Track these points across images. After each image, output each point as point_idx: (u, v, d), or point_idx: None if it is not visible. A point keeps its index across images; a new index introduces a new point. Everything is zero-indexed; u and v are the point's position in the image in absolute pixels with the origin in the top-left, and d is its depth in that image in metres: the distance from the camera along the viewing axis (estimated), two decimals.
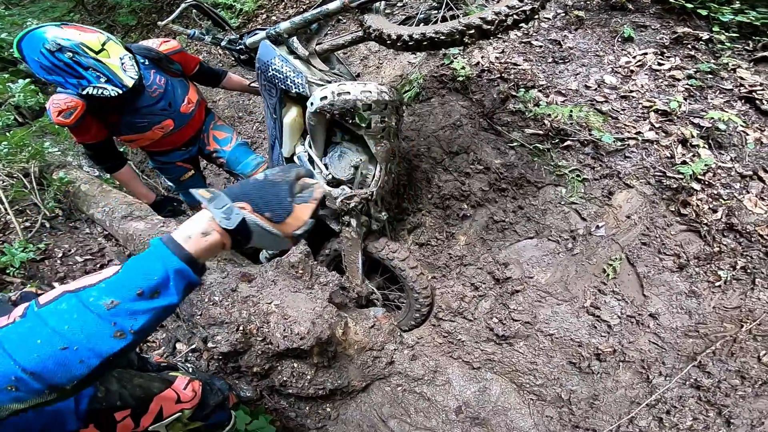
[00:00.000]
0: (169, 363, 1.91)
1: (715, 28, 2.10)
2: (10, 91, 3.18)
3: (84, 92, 1.75)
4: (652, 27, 2.21)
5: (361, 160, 1.89)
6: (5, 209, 2.66)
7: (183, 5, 2.00)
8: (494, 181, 2.18)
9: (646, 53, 2.13)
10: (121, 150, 3.85)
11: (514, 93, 2.13)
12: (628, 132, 1.96)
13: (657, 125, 1.95)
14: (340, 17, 2.94)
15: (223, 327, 1.67)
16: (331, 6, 1.68)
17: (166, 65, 2.13)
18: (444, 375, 2.22)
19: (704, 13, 2.14)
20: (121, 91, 1.77)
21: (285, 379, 1.86)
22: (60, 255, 2.60)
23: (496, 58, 2.26)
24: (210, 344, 1.65)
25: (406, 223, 2.46)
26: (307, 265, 1.87)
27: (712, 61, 2.05)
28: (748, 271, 1.77)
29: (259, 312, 1.70)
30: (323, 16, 1.74)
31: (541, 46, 2.25)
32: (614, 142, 1.94)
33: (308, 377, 1.89)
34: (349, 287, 2.24)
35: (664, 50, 2.13)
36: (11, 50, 4.18)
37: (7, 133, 2.90)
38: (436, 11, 1.71)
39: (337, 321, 1.84)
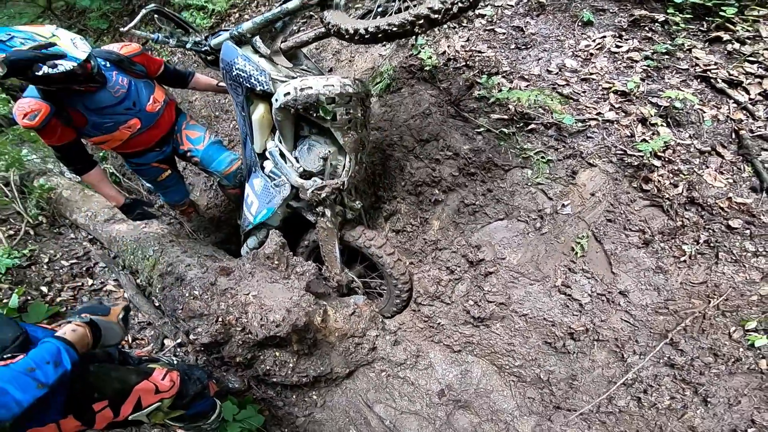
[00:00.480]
0: (150, 356, 2.04)
1: (670, 10, 2.19)
2: None
3: (40, 73, 1.81)
4: (611, 10, 2.31)
5: (329, 151, 2.00)
6: None
7: (143, 11, 2.10)
8: (463, 166, 2.30)
9: (604, 36, 2.24)
10: (101, 154, 3.97)
11: (478, 80, 2.24)
12: (589, 113, 2.07)
13: (617, 106, 2.07)
14: (307, 14, 3.05)
15: (202, 319, 1.80)
16: (290, 5, 1.79)
17: (129, 66, 2.24)
18: (426, 359, 2.35)
19: None
20: (75, 63, 1.84)
21: (268, 368, 2.00)
22: (46, 260, 2.73)
23: (462, 46, 2.37)
24: (192, 336, 1.78)
25: (383, 211, 2.58)
26: (282, 256, 2.00)
27: (668, 42, 2.15)
28: (711, 244, 1.88)
29: (237, 303, 1.83)
30: (284, 15, 1.84)
31: (504, 33, 2.36)
32: (575, 123, 2.06)
33: (290, 365, 2.02)
34: (329, 277, 2.38)
35: (622, 33, 2.24)
36: None
37: None
38: (392, 4, 1.81)
39: (315, 309, 1.97)
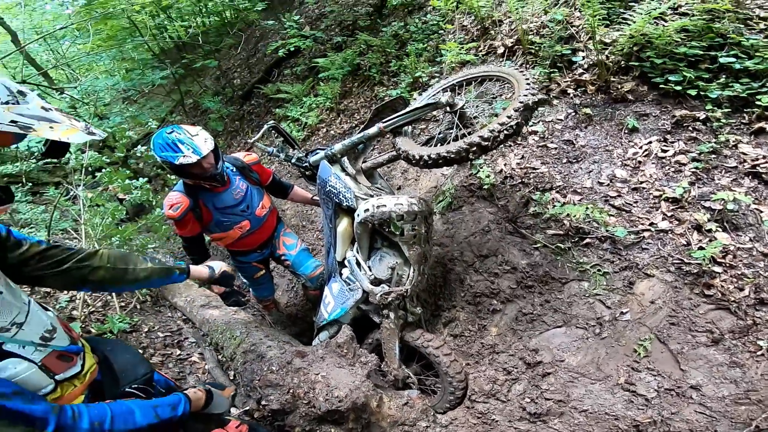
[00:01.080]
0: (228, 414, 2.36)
1: (708, 106, 2.34)
2: (131, 187, 4.04)
3: (178, 162, 2.34)
4: (653, 114, 2.52)
5: (396, 262, 2.36)
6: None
7: (265, 126, 2.71)
8: (521, 279, 2.52)
9: (650, 141, 2.44)
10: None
11: (533, 197, 2.53)
12: (642, 224, 2.26)
13: (669, 214, 2.23)
14: (380, 138, 3.67)
15: (276, 389, 2.14)
16: (371, 131, 2.32)
17: (248, 173, 2.83)
18: None
19: (694, 93, 2.40)
20: (198, 157, 2.35)
21: None
22: (146, 330, 3.31)
23: (517, 164, 2.73)
24: (263, 402, 2.11)
25: (442, 318, 2.82)
26: (351, 346, 2.33)
27: (713, 139, 2.29)
28: None
29: (308, 380, 2.15)
30: (366, 139, 2.38)
31: (556, 148, 2.69)
32: (629, 235, 2.24)
33: None
34: (387, 371, 2.63)
35: (667, 136, 2.41)
36: (136, 149, 5.34)
37: (119, 227, 3.81)
38: (450, 131, 2.24)
39: (373, 394, 2.22)
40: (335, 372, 2.24)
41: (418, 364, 2.75)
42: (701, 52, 2.46)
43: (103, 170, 4.05)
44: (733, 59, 2.37)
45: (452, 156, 1.98)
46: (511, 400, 2.43)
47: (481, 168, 2.83)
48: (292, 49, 5.58)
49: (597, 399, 2.18)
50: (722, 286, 2.03)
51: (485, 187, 2.76)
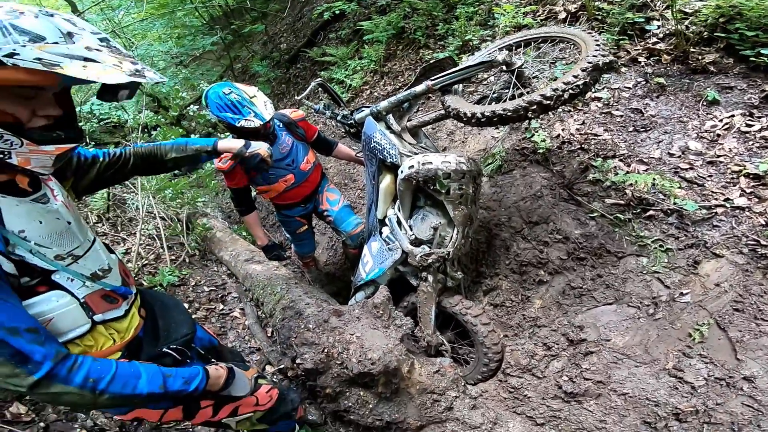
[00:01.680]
0: (259, 373, 2.42)
1: None
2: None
3: (239, 125, 2.38)
4: (738, 87, 2.30)
5: (440, 222, 2.28)
6: (161, 244, 3.70)
7: (313, 84, 2.71)
8: (573, 250, 2.37)
9: (733, 115, 2.22)
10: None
11: (593, 163, 2.37)
12: (716, 199, 2.04)
13: (748, 190, 2.01)
14: (427, 97, 3.56)
15: (311, 347, 2.15)
16: (418, 89, 2.21)
17: (294, 129, 2.87)
18: (504, 427, 2.31)
19: None
20: (262, 122, 2.41)
21: (350, 404, 2.23)
22: (193, 283, 3.44)
23: (577, 129, 2.54)
24: (298, 361, 2.13)
25: (483, 285, 2.73)
26: (387, 308, 2.30)
27: None
28: None
29: (343, 340, 2.14)
30: (412, 97, 2.27)
31: (621, 116, 2.48)
32: (699, 210, 2.04)
33: (370, 406, 2.23)
34: (421, 337, 2.59)
35: (754, 110, 2.20)
36: (188, 107, 5.68)
37: (171, 181, 3.98)
38: (505, 91, 2.10)
39: (405, 359, 2.19)
40: (369, 333, 2.21)
41: (452, 332, 2.69)
42: None
43: (158, 129, 4.24)
44: None
45: (509, 114, 1.84)
46: (548, 377, 2.34)
47: (536, 132, 2.67)
48: (337, 12, 5.54)
49: (639, 383, 2.07)
50: None
51: (540, 151, 2.61)
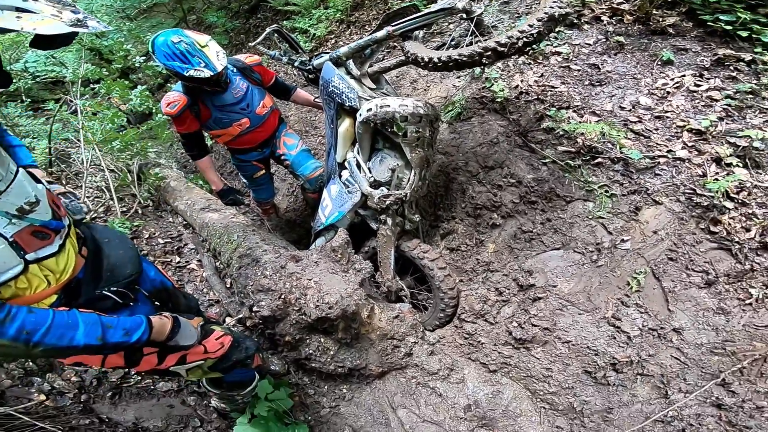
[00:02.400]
0: (216, 320, 2.38)
1: (758, 49, 2.23)
2: (129, 96, 4.13)
3: (188, 74, 2.34)
4: (693, 50, 2.40)
5: (398, 164, 2.30)
6: (111, 195, 3.51)
7: (268, 30, 2.66)
8: (525, 194, 2.45)
9: (684, 75, 2.31)
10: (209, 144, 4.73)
11: (548, 113, 2.41)
12: (659, 150, 2.14)
13: (690, 144, 2.11)
14: (390, 43, 3.48)
15: (268, 294, 2.12)
16: (379, 34, 2.16)
17: (249, 74, 2.79)
18: (459, 373, 2.44)
19: (745, 34, 2.29)
20: (212, 73, 2.36)
21: (311, 352, 2.25)
22: (146, 236, 3.31)
23: (535, 81, 2.56)
24: (255, 309, 2.12)
25: (440, 229, 2.79)
26: (346, 251, 2.30)
27: (754, 81, 2.18)
28: None
29: (300, 285, 2.13)
30: (373, 42, 2.22)
31: (579, 70, 2.52)
32: (644, 159, 2.14)
33: (331, 353, 2.27)
34: (381, 282, 2.63)
35: (704, 72, 2.30)
36: (134, 59, 5.40)
37: (119, 132, 3.78)
38: (464, 38, 2.09)
39: (364, 303, 2.21)
40: (328, 278, 2.21)
41: (411, 277, 2.75)
42: None
43: (102, 82, 4.08)
44: None
45: (464, 59, 1.85)
46: (499, 322, 2.44)
47: (496, 81, 2.68)
48: None
49: (581, 331, 2.18)
50: (729, 224, 1.96)
51: (498, 100, 2.63)
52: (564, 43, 2.70)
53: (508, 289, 2.44)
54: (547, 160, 2.40)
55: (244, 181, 3.33)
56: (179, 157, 4.88)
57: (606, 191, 2.23)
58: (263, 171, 3.19)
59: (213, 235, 3.02)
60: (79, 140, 3.78)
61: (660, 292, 2.06)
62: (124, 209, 3.53)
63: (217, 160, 4.97)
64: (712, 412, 1.85)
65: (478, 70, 2.85)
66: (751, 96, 2.16)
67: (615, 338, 2.10)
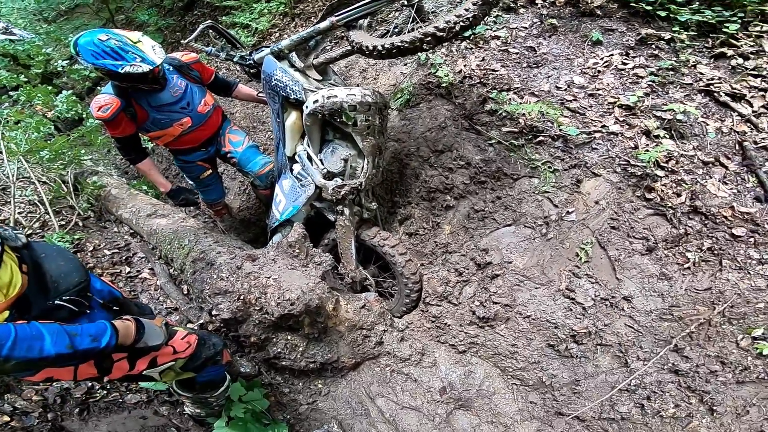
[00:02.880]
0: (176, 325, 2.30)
1: (676, 28, 2.41)
2: (53, 102, 3.83)
3: (123, 71, 2.22)
4: (619, 30, 2.55)
5: (350, 154, 2.29)
6: (45, 209, 3.26)
7: (201, 26, 2.56)
8: (474, 174, 2.53)
9: (612, 54, 2.46)
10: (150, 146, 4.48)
11: (490, 95, 2.50)
12: (594, 126, 2.27)
13: (621, 119, 2.26)
14: (339, 35, 3.45)
15: (226, 296, 2.07)
16: (322, 25, 2.14)
17: (187, 71, 2.68)
18: (431, 357, 2.49)
19: (664, 14, 2.46)
20: (151, 67, 2.25)
21: (279, 350, 2.22)
22: (90, 248, 3.11)
23: (477, 65, 2.64)
24: (214, 312, 2.05)
25: (398, 215, 2.83)
26: (303, 246, 2.27)
27: (674, 58, 2.35)
28: (715, 252, 1.98)
29: (259, 285, 2.09)
30: (316, 33, 2.19)
31: (517, 53, 2.62)
32: (580, 135, 2.26)
33: (300, 349, 2.25)
34: (345, 274, 2.62)
35: (630, 51, 2.45)
36: (55, 63, 5.02)
37: (48, 141, 3.51)
38: (407, 25, 2.12)
39: (328, 296, 2.20)
40: (287, 274, 2.18)
41: (375, 266, 2.77)
42: None
43: (21, 88, 3.81)
44: None
45: (406, 45, 1.87)
46: (462, 303, 2.50)
47: (440, 67, 2.73)
48: None
49: (540, 305, 2.28)
50: (662, 191, 2.11)
51: (443, 85, 2.69)
52: (502, 27, 2.78)
53: (467, 269, 2.51)
54: (492, 141, 2.49)
55: (191, 183, 3.20)
56: (119, 163, 4.62)
57: (549, 167, 2.34)
58: (210, 171, 3.07)
59: (163, 241, 2.89)
60: (1, 152, 3.48)
61: (607, 262, 2.18)
62: (63, 222, 3.29)
63: (160, 163, 4.74)
64: (671, 379, 1.97)
65: (423, 56, 2.89)
66: (672, 72, 2.33)
67: (571, 310, 2.21)
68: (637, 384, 2.02)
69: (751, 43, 2.28)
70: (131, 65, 2.23)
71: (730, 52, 2.29)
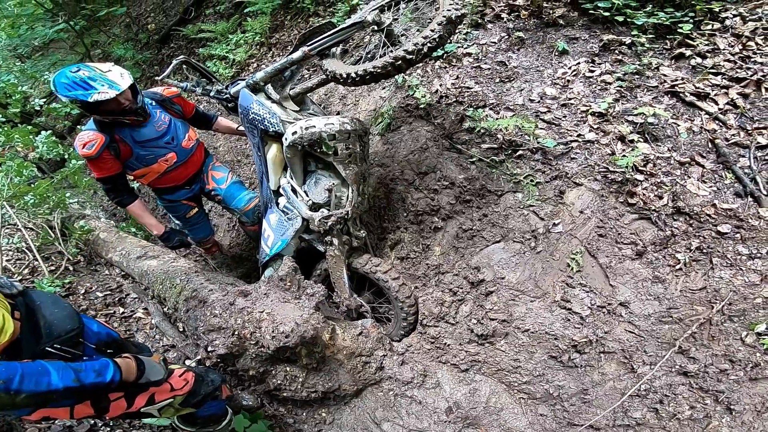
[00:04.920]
0: (173, 362, 2.31)
1: (634, 32, 2.50)
2: (33, 143, 3.83)
3: (92, 99, 2.24)
4: (582, 38, 2.64)
5: (334, 183, 2.34)
6: (34, 255, 3.27)
7: (175, 62, 2.61)
8: (459, 194, 2.58)
9: (579, 63, 2.54)
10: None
11: (467, 113, 2.57)
12: (570, 136, 2.34)
13: (595, 126, 2.33)
14: (317, 63, 3.53)
15: (220, 332, 2.10)
16: (295, 56, 2.21)
17: (169, 106, 2.73)
18: (434, 378, 2.50)
19: (621, 19, 2.55)
20: (118, 91, 2.27)
21: (279, 382, 2.24)
22: (82, 291, 3.14)
23: (452, 84, 2.71)
24: (210, 348, 2.07)
25: (388, 240, 2.86)
26: (294, 279, 2.30)
27: (637, 62, 2.44)
28: (704, 251, 2.02)
29: (253, 319, 2.11)
30: (290, 64, 2.26)
31: (489, 69, 2.70)
32: (558, 146, 2.33)
33: (300, 380, 2.26)
34: (339, 302, 2.64)
35: (595, 58, 2.54)
36: (33, 102, 5.03)
37: (31, 185, 3.52)
38: (379, 50, 2.18)
39: (324, 326, 2.22)
40: (281, 307, 2.20)
41: (369, 292, 2.79)
42: None
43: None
44: None
45: (378, 71, 1.94)
46: (460, 322, 2.53)
47: (418, 88, 2.81)
48: None
49: (537, 318, 2.30)
50: (644, 194, 2.16)
51: (422, 106, 2.76)
52: (473, 44, 2.87)
53: (461, 288, 2.54)
54: (474, 159, 2.55)
55: (177, 222, 3.22)
56: (106, 205, 4.64)
57: (531, 180, 2.39)
58: (196, 209, 3.09)
59: (155, 282, 2.91)
60: None
61: (599, 269, 2.22)
62: (53, 268, 3.31)
63: (147, 203, 4.75)
64: (681, 381, 1.97)
65: (400, 78, 2.97)
66: (637, 76, 2.41)
67: (569, 320, 2.23)
68: (647, 389, 2.03)
69: (706, 42, 2.39)
70: (99, 92, 2.26)
71: (688, 52, 2.39)
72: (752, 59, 2.29)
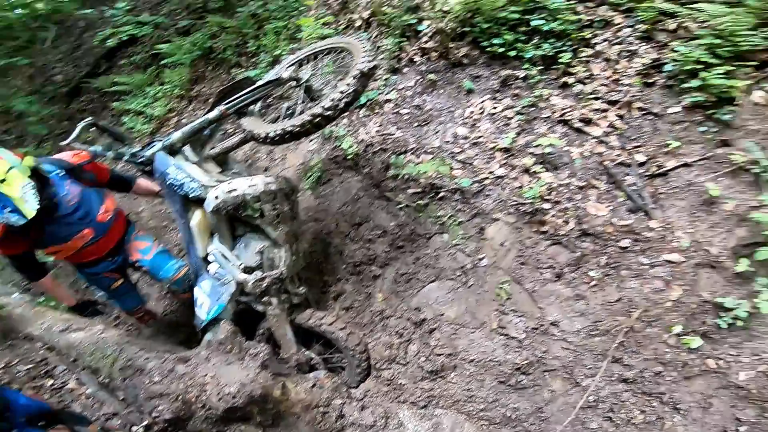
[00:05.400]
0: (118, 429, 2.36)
1: (525, 65, 2.75)
2: None
3: None
4: (484, 75, 2.91)
5: (264, 245, 2.43)
6: None
7: (80, 125, 2.55)
8: (392, 241, 2.85)
9: (483, 100, 2.83)
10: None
11: (391, 161, 2.85)
12: (483, 173, 2.67)
13: (503, 162, 2.67)
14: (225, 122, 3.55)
15: (163, 398, 2.19)
16: (211, 114, 2.30)
17: (80, 175, 2.61)
18: (395, 419, 2.64)
19: (513, 53, 2.78)
20: (23, 222, 2.19)
21: None
22: (1, 366, 3.13)
23: (376, 131, 3.00)
24: (154, 414, 2.16)
25: (330, 292, 3.06)
26: (235, 341, 2.43)
27: (531, 94, 2.71)
28: (612, 266, 2.37)
29: (196, 384, 2.23)
30: (207, 124, 2.35)
31: (408, 113, 3.02)
32: (473, 184, 2.66)
33: None
34: (288, 358, 2.77)
35: (497, 94, 2.82)
36: None
37: None
38: (298, 106, 2.33)
39: (272, 383, 2.36)
40: (225, 370, 2.33)
41: (319, 344, 2.92)
42: (519, 16, 2.86)
43: None
44: (542, 21, 2.80)
45: (297, 129, 2.09)
46: (411, 361, 2.75)
47: (344, 139, 3.06)
48: (126, 38, 5.33)
49: (479, 347, 2.56)
50: (552, 221, 2.51)
51: (350, 157, 3.02)
52: (392, 90, 3.18)
53: (406, 329, 2.79)
54: (401, 205, 2.83)
55: (102, 293, 3.16)
56: (18, 280, 4.61)
57: (454, 221, 2.71)
58: (121, 280, 3.03)
59: (83, 354, 2.89)
60: None
61: (526, 295, 2.54)
62: None
63: (68, 276, 4.68)
64: (624, 388, 2.26)
65: (327, 129, 3.16)
66: (533, 108, 2.71)
67: (509, 345, 2.51)
68: (595, 399, 2.30)
69: (584, 69, 2.65)
70: (2, 218, 2.15)
71: (571, 80, 2.66)
72: (620, 81, 2.57)
